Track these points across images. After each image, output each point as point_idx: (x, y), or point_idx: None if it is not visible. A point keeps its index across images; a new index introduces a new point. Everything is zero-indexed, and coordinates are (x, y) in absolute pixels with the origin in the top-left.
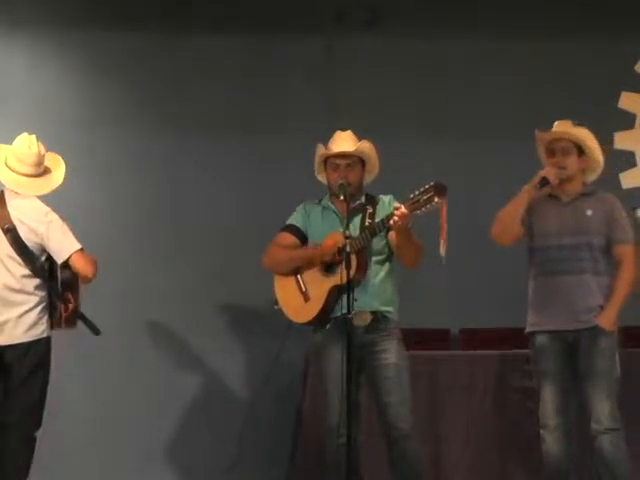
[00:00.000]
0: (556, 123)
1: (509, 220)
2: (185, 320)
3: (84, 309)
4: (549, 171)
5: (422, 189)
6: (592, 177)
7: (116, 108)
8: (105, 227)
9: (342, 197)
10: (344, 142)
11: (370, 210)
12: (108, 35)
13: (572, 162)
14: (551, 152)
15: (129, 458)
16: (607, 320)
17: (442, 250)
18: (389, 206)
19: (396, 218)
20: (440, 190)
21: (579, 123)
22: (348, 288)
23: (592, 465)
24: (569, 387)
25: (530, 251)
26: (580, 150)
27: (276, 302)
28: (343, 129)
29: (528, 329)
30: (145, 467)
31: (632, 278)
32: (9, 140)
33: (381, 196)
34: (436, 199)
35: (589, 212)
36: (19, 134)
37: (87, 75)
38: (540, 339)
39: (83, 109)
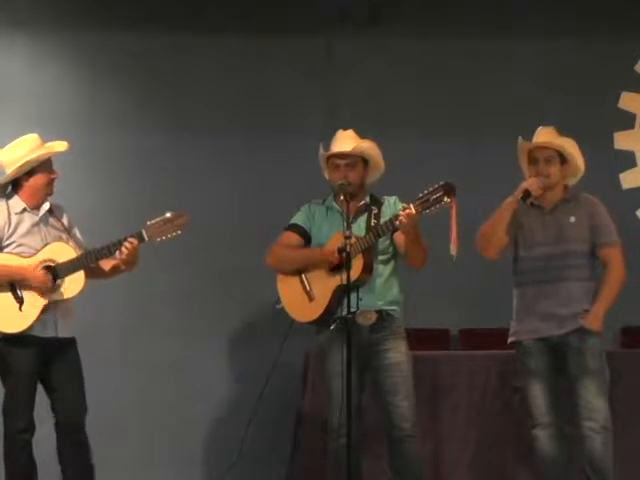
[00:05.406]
0: (539, 130)
1: (491, 234)
2: (186, 320)
3: (85, 309)
4: (532, 183)
5: (431, 188)
6: (572, 181)
7: (116, 108)
8: (105, 227)
9: (341, 197)
10: (344, 142)
11: (375, 211)
12: (108, 35)
13: (555, 171)
14: (534, 160)
15: (128, 457)
16: (592, 320)
17: (453, 250)
18: (394, 207)
19: (401, 218)
20: (450, 190)
21: (559, 130)
22: (348, 288)
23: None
24: (557, 386)
25: (514, 260)
26: (562, 158)
27: (278, 302)
28: (344, 129)
29: (511, 338)
30: (145, 466)
31: (619, 279)
32: (9, 140)
33: (385, 197)
34: (445, 199)
35: (572, 219)
36: (19, 134)
37: (87, 75)
38: (525, 342)
39: (83, 109)
